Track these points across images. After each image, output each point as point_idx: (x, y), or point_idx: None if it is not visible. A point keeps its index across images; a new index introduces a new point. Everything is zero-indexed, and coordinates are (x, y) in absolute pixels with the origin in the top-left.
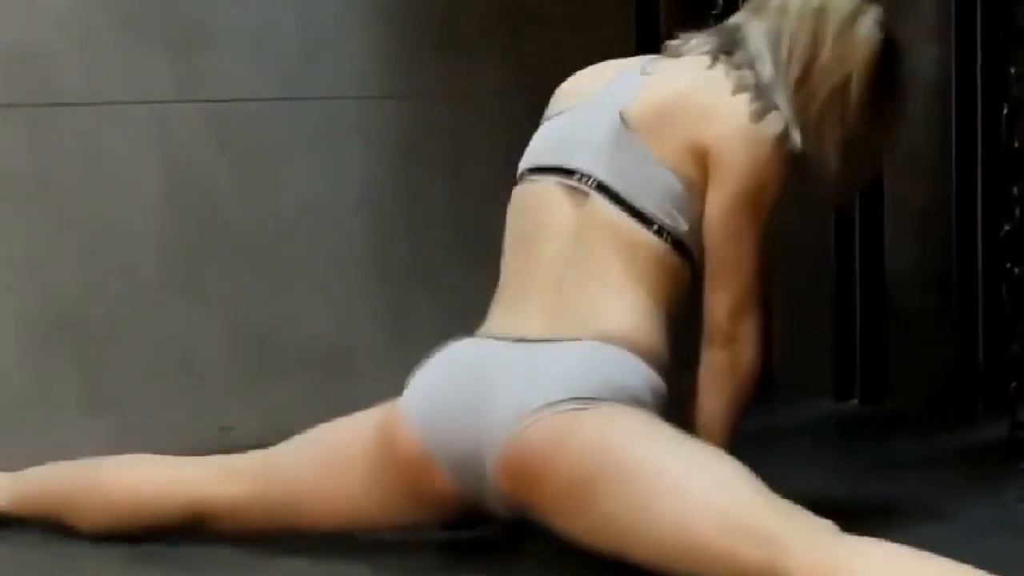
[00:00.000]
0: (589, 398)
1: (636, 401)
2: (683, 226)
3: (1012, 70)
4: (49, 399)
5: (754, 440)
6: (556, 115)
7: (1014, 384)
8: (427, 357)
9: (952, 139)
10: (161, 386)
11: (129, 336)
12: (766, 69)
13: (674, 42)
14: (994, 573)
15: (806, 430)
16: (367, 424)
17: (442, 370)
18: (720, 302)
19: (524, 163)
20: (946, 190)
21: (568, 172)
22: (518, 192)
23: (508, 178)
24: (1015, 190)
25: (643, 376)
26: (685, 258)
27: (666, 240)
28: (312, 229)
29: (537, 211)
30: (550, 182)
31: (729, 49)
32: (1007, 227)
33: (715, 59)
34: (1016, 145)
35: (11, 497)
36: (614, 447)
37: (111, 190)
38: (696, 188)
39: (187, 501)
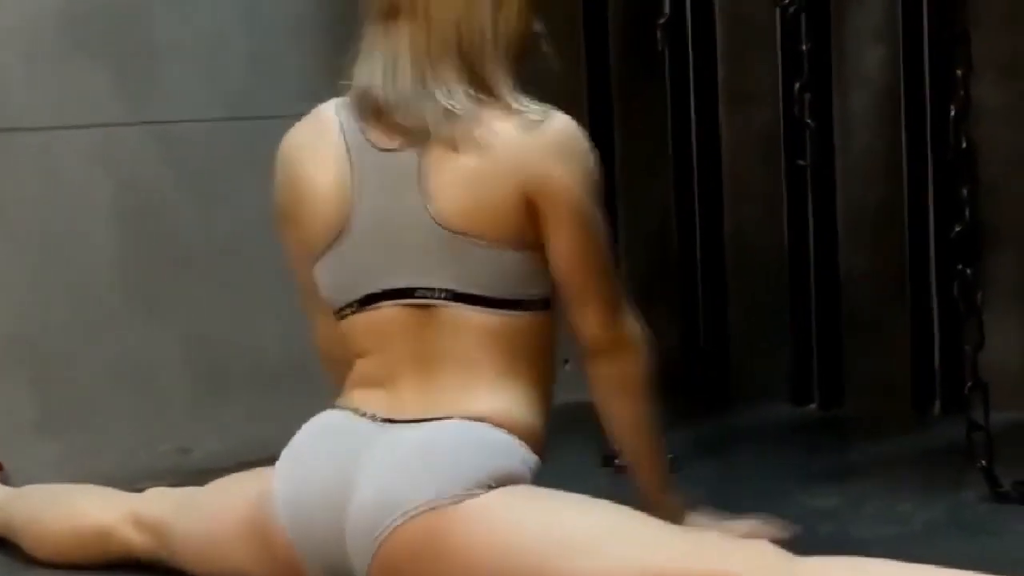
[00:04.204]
0: (463, 491)
1: (510, 480)
2: (545, 285)
3: (958, 72)
4: (3, 420)
5: (714, 446)
6: (333, 246)
7: (969, 385)
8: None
9: (902, 141)
10: (116, 405)
11: (83, 356)
12: (459, 93)
13: (376, 92)
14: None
15: (765, 435)
16: (244, 502)
17: (309, 457)
18: (589, 316)
19: (337, 299)
20: (898, 193)
21: (406, 292)
22: (352, 322)
23: None
24: (964, 191)
25: (515, 454)
26: (549, 307)
27: (535, 308)
28: (264, 246)
29: (387, 331)
30: (389, 306)
31: (433, 86)
32: (957, 228)
33: (445, 112)
34: (964, 146)
35: None
36: (499, 534)
37: (63, 212)
38: (538, 243)
39: (116, 543)
